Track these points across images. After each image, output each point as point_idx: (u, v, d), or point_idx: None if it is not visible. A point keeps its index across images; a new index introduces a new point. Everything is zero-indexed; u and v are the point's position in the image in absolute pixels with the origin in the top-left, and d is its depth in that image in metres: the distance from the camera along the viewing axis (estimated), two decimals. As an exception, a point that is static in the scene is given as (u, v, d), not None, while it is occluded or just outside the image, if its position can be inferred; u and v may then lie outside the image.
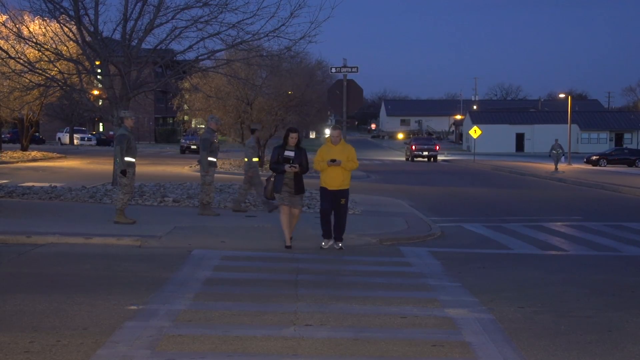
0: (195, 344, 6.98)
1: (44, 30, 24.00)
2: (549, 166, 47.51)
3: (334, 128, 13.17)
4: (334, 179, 12.70)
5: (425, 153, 60.81)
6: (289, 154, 12.55)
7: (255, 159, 17.90)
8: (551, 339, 7.45)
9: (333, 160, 12.56)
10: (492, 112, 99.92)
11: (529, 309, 8.76)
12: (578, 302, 9.27)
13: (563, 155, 48.45)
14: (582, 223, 18.41)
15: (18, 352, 6.58)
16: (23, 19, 24.56)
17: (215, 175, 18.01)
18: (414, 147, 61.97)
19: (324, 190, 12.87)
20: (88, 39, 21.83)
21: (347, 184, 12.89)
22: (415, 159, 60.73)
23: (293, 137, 12.63)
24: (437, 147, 62.86)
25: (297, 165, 12.41)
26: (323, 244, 12.89)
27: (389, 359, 6.68)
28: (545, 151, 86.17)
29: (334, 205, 12.77)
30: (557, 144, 46.68)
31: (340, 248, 12.80)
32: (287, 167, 12.41)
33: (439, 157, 62.45)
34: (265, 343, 7.05)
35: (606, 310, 8.85)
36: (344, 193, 12.82)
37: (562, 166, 47.51)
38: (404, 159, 64.20)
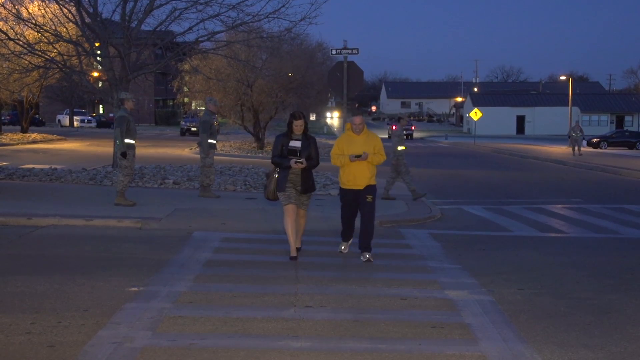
0: (195, 325, 7.00)
1: (43, 11, 23.93)
2: (551, 149, 47.35)
3: (355, 114, 10.41)
4: (359, 178, 10.30)
5: (405, 131, 70.30)
6: (295, 144, 10.25)
7: (401, 147, 17.96)
8: (550, 321, 7.47)
9: (358, 156, 10.19)
10: (492, 94, 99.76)
11: (529, 291, 8.78)
12: (577, 284, 9.30)
13: (583, 138, 46.45)
14: (582, 205, 18.42)
15: (19, 333, 6.60)
16: (22, 0, 24.46)
17: (215, 157, 18.00)
18: (394, 127, 70.49)
19: (345, 193, 10.50)
20: (87, 20, 21.77)
21: (374, 179, 10.48)
22: None
23: (298, 125, 10.23)
24: (413, 127, 76.85)
25: (303, 161, 10.15)
26: (342, 247, 10.79)
27: (388, 341, 6.70)
28: (545, 134, 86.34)
29: (357, 207, 10.48)
30: (578, 126, 44.86)
31: (368, 260, 10.30)
32: (292, 162, 10.12)
33: (414, 135, 75.59)
34: (265, 324, 7.08)
35: (605, 292, 8.88)
36: (370, 189, 10.40)
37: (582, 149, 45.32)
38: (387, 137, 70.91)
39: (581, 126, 46.27)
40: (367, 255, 10.32)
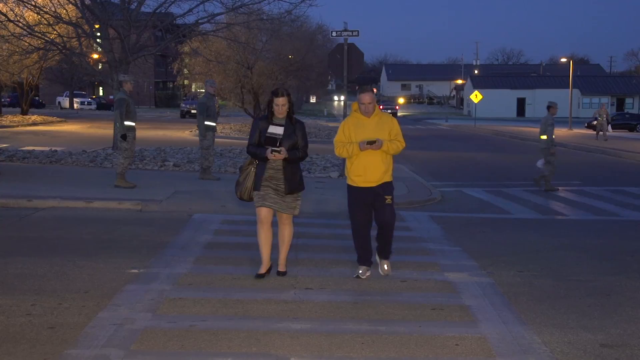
0: (196, 307, 7.01)
1: (42, -7, 23.82)
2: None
3: (363, 90, 8.21)
4: (372, 171, 8.14)
5: (389, 111, 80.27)
6: (276, 130, 8.00)
7: (544, 137, 17.51)
8: (550, 303, 7.48)
9: (371, 142, 8.00)
10: (493, 76, 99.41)
11: (528, 273, 8.80)
12: (577, 267, 9.31)
13: (608, 123, 42.51)
14: (582, 188, 18.43)
15: (20, 314, 6.62)
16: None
17: (216, 139, 17.97)
18: (381, 107, 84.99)
19: (354, 191, 8.27)
20: (87, 2, 21.69)
21: (390, 174, 8.31)
22: None
23: (280, 105, 7.98)
24: (397, 107, 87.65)
25: (282, 150, 7.90)
26: (360, 272, 8.35)
27: (388, 323, 6.71)
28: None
29: (370, 211, 8.33)
30: (604, 109, 42.17)
31: (387, 272, 8.49)
32: (268, 152, 7.92)
33: (399, 114, 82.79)
34: (265, 306, 7.09)
35: (605, 274, 8.89)
36: (386, 188, 8.24)
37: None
38: None
39: (607, 109, 43.57)
40: (386, 266, 8.49)
